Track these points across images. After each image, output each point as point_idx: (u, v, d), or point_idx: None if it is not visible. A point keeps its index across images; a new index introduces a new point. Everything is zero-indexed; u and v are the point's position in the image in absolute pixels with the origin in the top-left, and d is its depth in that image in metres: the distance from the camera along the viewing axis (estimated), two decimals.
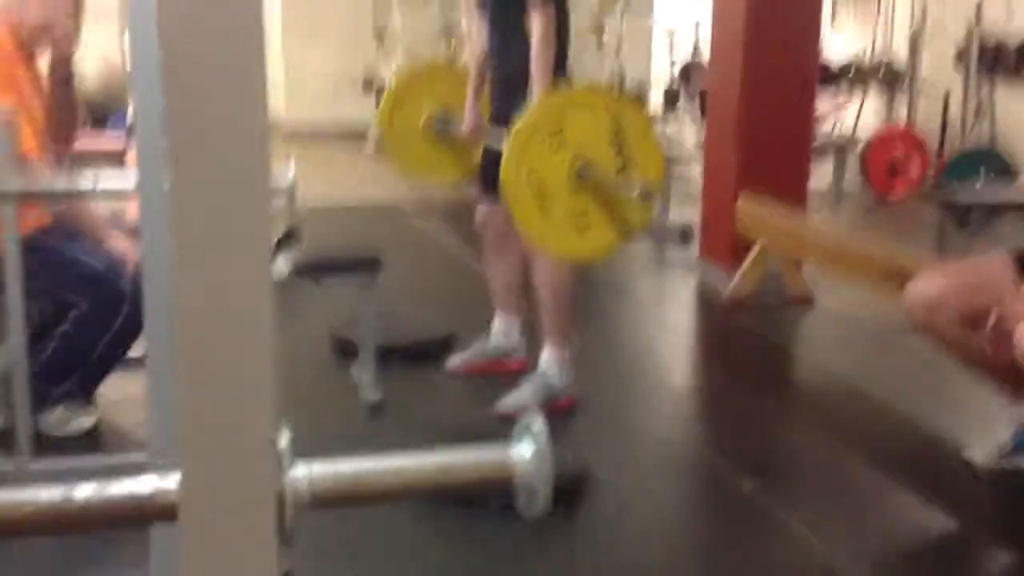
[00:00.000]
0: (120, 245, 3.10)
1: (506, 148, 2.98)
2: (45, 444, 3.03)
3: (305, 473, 0.95)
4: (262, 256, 0.75)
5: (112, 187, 2.47)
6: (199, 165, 0.73)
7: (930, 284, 3.02)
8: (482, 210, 3.76)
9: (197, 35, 0.71)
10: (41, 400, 3.11)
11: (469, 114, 3.75)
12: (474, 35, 3.75)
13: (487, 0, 3.58)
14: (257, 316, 0.77)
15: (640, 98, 7.54)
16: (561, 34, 3.39)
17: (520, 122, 3.01)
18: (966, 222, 4.82)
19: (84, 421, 3.24)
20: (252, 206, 0.74)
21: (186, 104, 0.72)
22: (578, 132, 2.97)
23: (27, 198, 2.76)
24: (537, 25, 3.28)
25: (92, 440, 3.20)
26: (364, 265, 3.67)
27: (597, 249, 3.13)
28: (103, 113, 8.15)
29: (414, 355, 4.01)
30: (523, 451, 1.02)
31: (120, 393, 3.46)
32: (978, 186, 6.20)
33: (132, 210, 3.51)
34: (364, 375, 3.64)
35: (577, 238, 3.04)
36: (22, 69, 3.12)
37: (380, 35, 9.59)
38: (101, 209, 3.24)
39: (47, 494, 0.88)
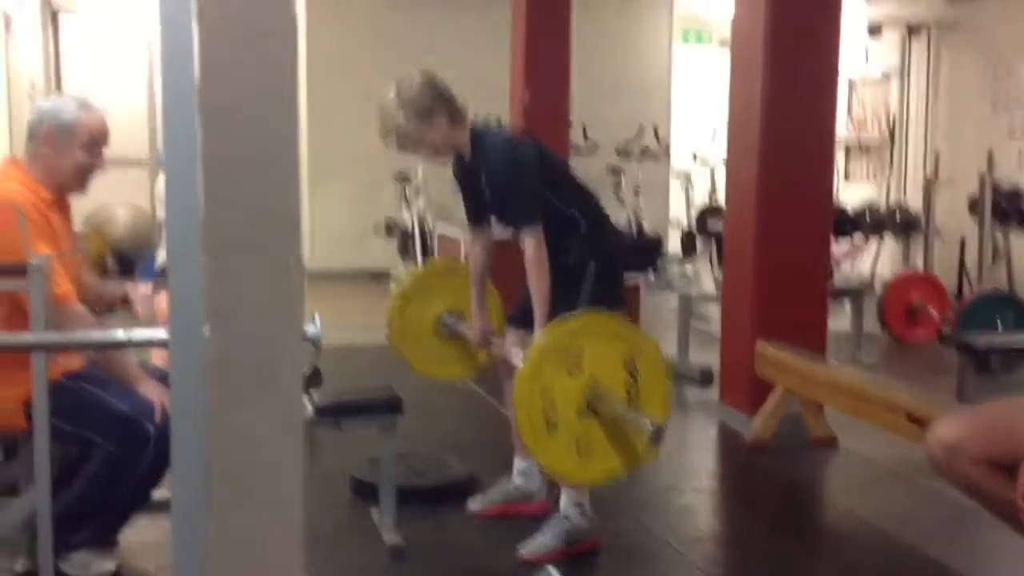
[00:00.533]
0: (150, 391, 3.14)
1: (523, 362, 3.04)
2: None
3: None
4: (294, 407, 0.79)
5: (145, 337, 2.53)
6: (236, 318, 0.77)
7: (951, 427, 3.01)
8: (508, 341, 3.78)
9: (236, 188, 0.76)
10: (64, 543, 3.11)
11: (476, 321, 3.84)
12: (473, 246, 3.85)
13: (483, 212, 3.69)
14: (288, 463, 0.80)
15: (659, 240, 7.64)
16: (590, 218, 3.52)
17: (540, 339, 3.08)
18: (986, 366, 4.82)
19: (107, 565, 3.23)
20: (285, 358, 0.78)
21: (225, 258, 0.76)
22: (594, 357, 3.03)
23: (62, 348, 2.81)
24: (527, 247, 3.37)
25: None
26: (384, 407, 3.69)
27: (598, 476, 3.15)
28: (132, 259, 8.31)
29: (435, 497, 4.00)
30: None
31: (141, 537, 3.45)
32: (998, 330, 6.22)
33: (160, 358, 3.57)
34: (385, 517, 3.63)
35: (579, 462, 3.06)
36: (56, 216, 3.21)
37: (403, 179, 9.80)
38: (130, 356, 3.29)
39: None
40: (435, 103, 3.40)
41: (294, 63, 0.76)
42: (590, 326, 3.08)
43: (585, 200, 3.61)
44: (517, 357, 3.24)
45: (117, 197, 8.73)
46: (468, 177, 3.62)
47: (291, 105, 0.76)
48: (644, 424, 2.86)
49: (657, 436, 2.84)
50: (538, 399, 2.97)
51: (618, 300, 3.56)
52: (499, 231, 3.73)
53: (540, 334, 3.22)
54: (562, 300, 3.36)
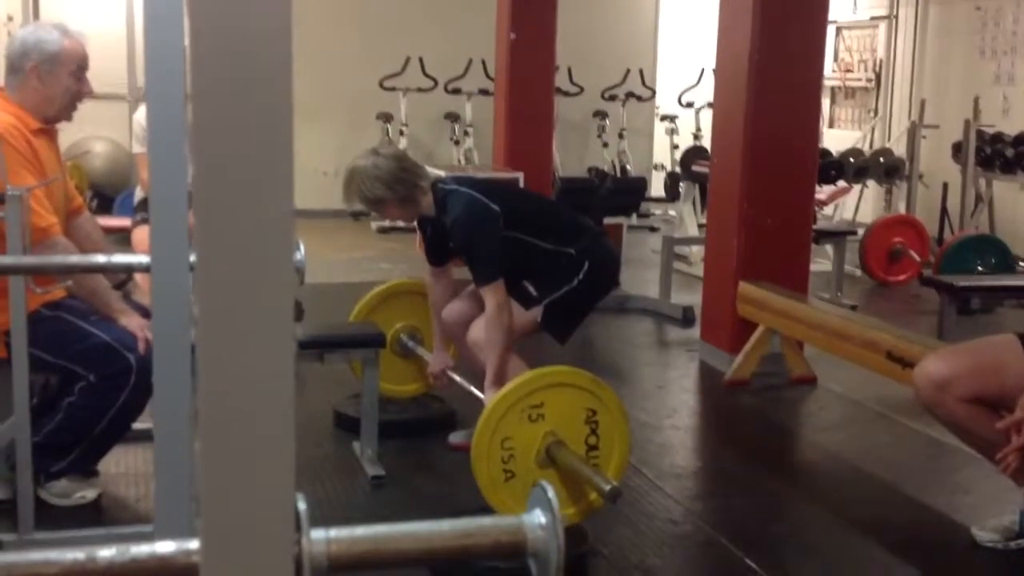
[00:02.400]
0: (132, 321, 3.13)
1: (485, 412, 3.04)
2: (48, 516, 3.03)
3: (323, 537, 0.97)
4: (285, 328, 0.78)
5: (124, 261, 2.50)
6: (225, 241, 0.75)
7: (939, 364, 3.04)
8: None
9: (227, 113, 0.74)
10: (45, 472, 3.11)
11: (436, 355, 3.91)
12: (434, 284, 3.88)
13: (445, 254, 3.75)
14: (278, 383, 0.79)
15: (643, 182, 7.61)
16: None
17: (505, 389, 3.07)
18: (966, 307, 4.85)
19: (88, 493, 3.24)
20: (276, 281, 0.76)
21: (213, 182, 0.74)
22: (556, 407, 3.03)
23: (40, 271, 2.79)
24: (487, 305, 3.41)
25: (95, 512, 3.19)
26: (367, 341, 3.70)
27: None
28: (110, 194, 8.25)
29: (417, 431, 4.02)
30: (536, 519, 1.04)
31: (122, 466, 3.46)
32: (979, 272, 6.26)
33: (142, 287, 3.55)
34: (366, 449, 3.65)
35: None
36: (43, 144, 3.17)
37: (386, 118, 9.73)
38: (110, 284, 3.28)
39: (72, 555, 0.89)
40: (385, 193, 3.47)
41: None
42: (554, 377, 3.08)
43: (570, 232, 3.65)
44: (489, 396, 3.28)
45: (95, 131, 8.68)
46: (435, 229, 3.68)
47: (285, 36, 0.74)
48: (601, 484, 2.86)
49: (614, 496, 2.84)
50: (497, 451, 2.98)
51: (573, 324, 3.66)
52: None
53: (491, 393, 3.25)
54: (543, 281, 3.52)
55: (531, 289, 3.56)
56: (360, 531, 0.99)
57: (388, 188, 3.45)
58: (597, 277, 3.64)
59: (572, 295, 3.57)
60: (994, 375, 2.93)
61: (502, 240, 3.47)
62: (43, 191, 3.02)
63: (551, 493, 1.04)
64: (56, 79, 3.15)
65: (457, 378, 3.80)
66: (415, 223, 3.79)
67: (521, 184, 7.62)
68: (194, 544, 0.91)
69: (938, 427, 3.40)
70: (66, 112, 3.24)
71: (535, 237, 3.57)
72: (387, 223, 9.19)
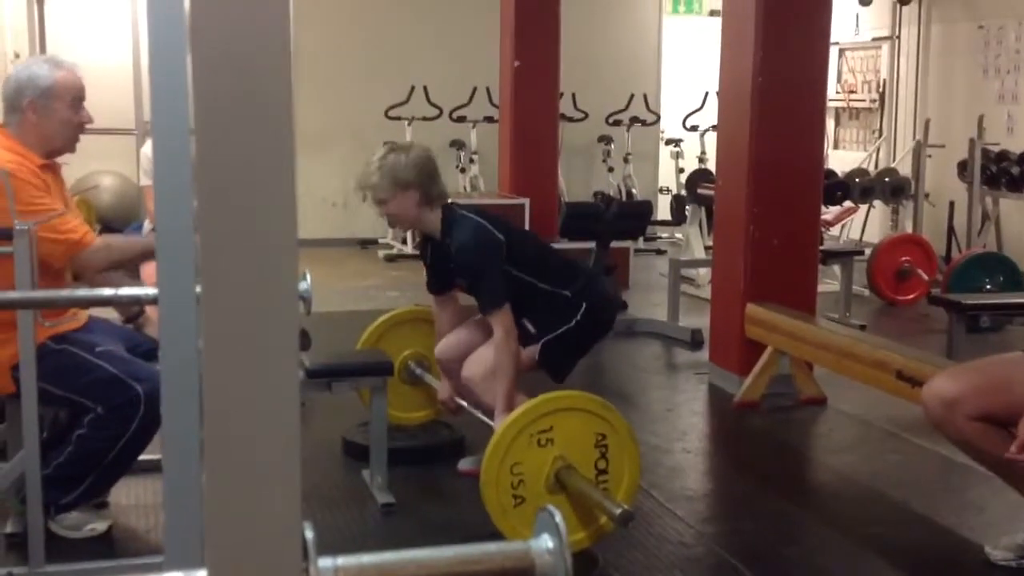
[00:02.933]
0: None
1: (494, 438, 3.05)
2: (59, 548, 3.03)
3: (330, 566, 0.97)
4: (290, 356, 0.78)
5: (132, 293, 2.52)
6: (229, 271, 0.76)
7: (947, 382, 3.03)
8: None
9: (230, 144, 0.75)
10: (55, 505, 3.11)
11: (445, 382, 3.90)
12: (440, 313, 3.90)
13: (449, 281, 3.75)
14: (284, 412, 0.79)
15: (649, 206, 7.62)
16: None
17: (514, 414, 3.08)
18: (975, 326, 4.84)
19: (98, 525, 3.24)
20: (280, 310, 0.77)
21: (217, 214, 0.75)
22: (565, 432, 3.03)
23: (49, 305, 2.80)
24: (496, 331, 3.43)
25: (105, 544, 3.19)
26: (375, 369, 3.70)
27: None
28: (119, 227, 8.29)
29: (426, 458, 4.02)
30: (544, 543, 1.04)
31: (132, 498, 3.46)
32: (987, 289, 6.24)
33: (153, 321, 3.56)
34: (376, 476, 3.65)
35: None
36: (49, 179, 3.19)
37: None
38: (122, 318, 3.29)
39: None
40: (414, 179, 3.48)
41: (287, 28, 0.75)
42: (562, 401, 3.09)
43: (567, 274, 3.68)
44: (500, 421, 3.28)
45: (103, 165, 8.73)
46: (437, 254, 3.70)
47: (284, 69, 0.75)
48: (613, 509, 2.86)
49: (626, 520, 2.84)
50: (507, 476, 2.98)
51: (570, 363, 3.68)
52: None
53: (502, 419, 3.25)
54: (541, 320, 3.55)
55: (530, 327, 3.58)
56: (367, 559, 0.99)
57: (419, 176, 3.48)
58: (596, 318, 3.67)
59: (570, 335, 3.60)
60: (1003, 393, 2.92)
61: (503, 273, 3.50)
62: (58, 222, 3.03)
63: (558, 517, 1.04)
64: (53, 112, 3.16)
65: (467, 404, 3.81)
66: (417, 250, 3.81)
67: (527, 210, 7.65)
68: (202, 574, 0.91)
69: (949, 446, 3.39)
70: (69, 144, 3.26)
71: (533, 276, 3.59)
72: (395, 250, 9.22)
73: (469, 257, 3.50)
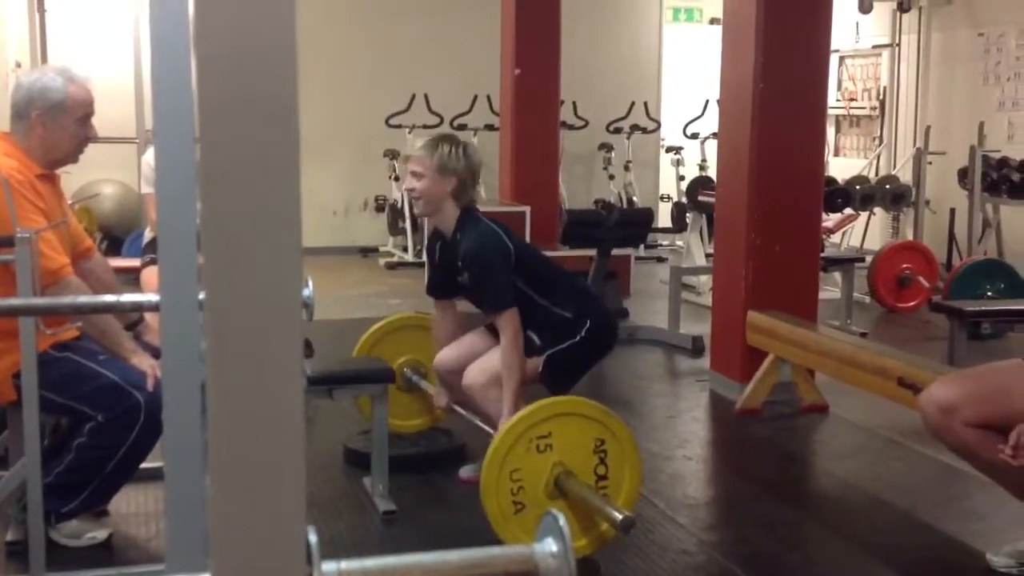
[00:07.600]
0: (142, 361, 3.14)
1: (493, 445, 3.05)
2: (59, 557, 3.02)
3: (334, 570, 0.97)
4: (293, 363, 0.78)
5: (134, 300, 2.52)
6: (233, 279, 0.76)
7: (946, 389, 3.03)
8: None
9: (234, 153, 0.75)
10: (55, 513, 3.11)
11: (441, 389, 3.90)
12: (440, 319, 3.90)
13: (451, 286, 3.75)
14: (288, 419, 0.79)
15: (650, 213, 7.62)
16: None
17: (512, 421, 3.08)
18: (977, 333, 4.84)
19: (99, 533, 3.23)
20: (284, 318, 0.77)
21: (221, 221, 0.75)
22: (564, 438, 3.03)
23: (50, 312, 2.80)
24: (504, 332, 3.46)
25: (106, 553, 3.19)
26: (376, 376, 3.70)
27: None
28: (120, 235, 8.30)
29: (427, 466, 4.01)
30: (547, 547, 1.04)
31: (132, 506, 3.46)
32: (988, 296, 6.24)
33: (153, 328, 3.56)
34: (378, 484, 3.64)
35: None
36: (46, 189, 3.19)
37: (393, 155, 9.78)
38: (123, 325, 3.29)
39: None
40: (460, 169, 3.58)
41: (292, 33, 0.75)
42: (560, 407, 3.09)
43: (569, 293, 3.70)
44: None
45: (105, 174, 8.74)
46: (444, 254, 3.72)
47: (291, 75, 0.75)
48: (614, 515, 2.85)
49: (627, 526, 2.84)
50: (506, 483, 2.98)
51: (572, 379, 3.67)
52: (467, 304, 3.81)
53: (507, 418, 3.26)
54: (546, 333, 3.56)
55: (535, 339, 3.59)
56: (371, 563, 0.99)
57: (465, 169, 3.58)
58: (599, 336, 3.69)
59: (574, 350, 3.61)
60: (1001, 400, 2.92)
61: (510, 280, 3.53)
62: (54, 233, 3.03)
63: (562, 521, 1.04)
64: (62, 127, 3.16)
65: (466, 413, 3.80)
66: (419, 257, 3.82)
67: (528, 218, 7.66)
68: None
69: (951, 453, 3.39)
70: (72, 156, 3.26)
71: (535, 291, 3.61)
72: (396, 258, 9.22)
73: (478, 256, 3.53)
